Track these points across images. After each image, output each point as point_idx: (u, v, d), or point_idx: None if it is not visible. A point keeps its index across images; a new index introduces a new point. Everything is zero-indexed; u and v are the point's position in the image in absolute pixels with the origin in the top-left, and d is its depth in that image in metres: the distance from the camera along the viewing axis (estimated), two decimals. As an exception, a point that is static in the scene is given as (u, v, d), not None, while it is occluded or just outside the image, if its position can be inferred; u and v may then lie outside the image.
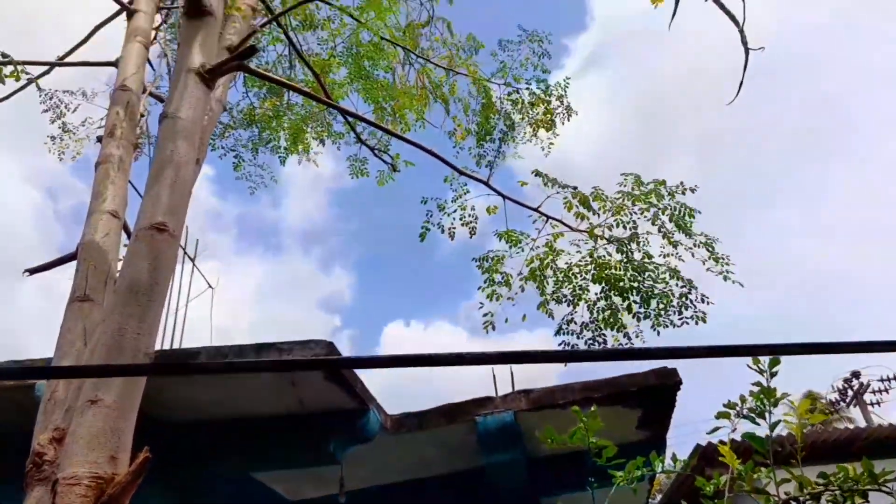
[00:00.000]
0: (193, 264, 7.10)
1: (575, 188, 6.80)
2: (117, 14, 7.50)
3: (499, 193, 6.79)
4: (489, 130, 11.57)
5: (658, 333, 8.25)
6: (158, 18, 7.70)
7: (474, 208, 7.49)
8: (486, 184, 6.78)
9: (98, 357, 3.59)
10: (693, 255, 8.06)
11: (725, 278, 7.91)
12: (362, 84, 9.80)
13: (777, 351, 1.59)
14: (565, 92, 10.77)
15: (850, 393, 26.72)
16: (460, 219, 7.50)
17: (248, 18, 7.86)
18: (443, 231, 7.45)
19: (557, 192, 6.80)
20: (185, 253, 8.83)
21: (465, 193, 7.37)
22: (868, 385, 26.18)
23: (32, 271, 5.67)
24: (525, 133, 11.52)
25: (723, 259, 7.87)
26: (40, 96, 9.11)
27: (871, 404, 25.69)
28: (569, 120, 11.11)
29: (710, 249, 7.71)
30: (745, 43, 4.39)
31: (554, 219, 7.00)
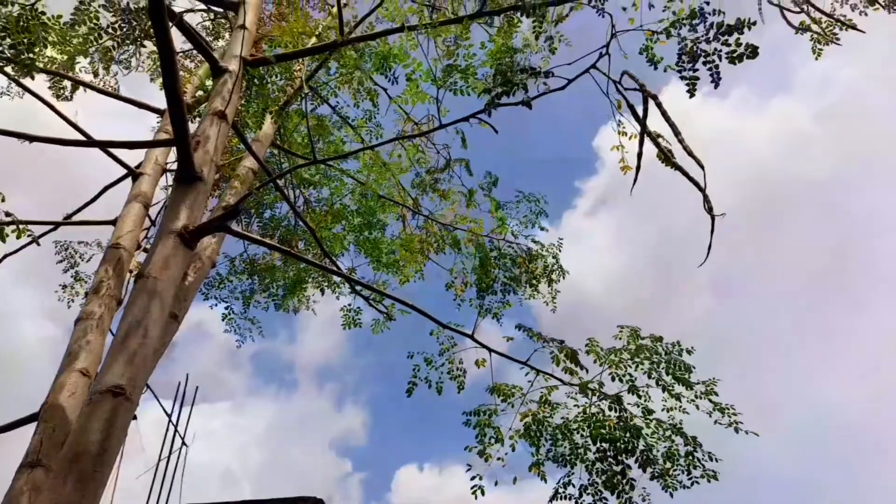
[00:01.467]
0: (171, 421, 6.85)
1: (562, 342, 6.66)
2: (125, 177, 7.99)
3: (484, 347, 6.67)
4: (489, 283, 11.71)
5: (671, 495, 7.67)
6: (163, 181, 8.15)
7: (461, 361, 7.33)
8: (472, 337, 6.68)
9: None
10: (698, 408, 7.70)
11: (737, 430, 7.46)
12: (359, 240, 10.11)
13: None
14: (559, 250, 11.10)
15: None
16: (448, 372, 7.32)
17: (247, 182, 8.32)
18: (430, 386, 7.23)
19: (543, 346, 6.65)
20: (173, 405, 8.58)
21: (451, 347, 7.25)
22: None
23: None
24: (524, 288, 11.65)
25: (728, 409, 7.47)
26: (56, 248, 9.53)
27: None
28: (563, 279, 11.32)
29: (713, 401, 7.35)
30: (710, 209, 4.45)
31: (544, 372, 6.79)
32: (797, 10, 8.64)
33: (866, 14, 8.89)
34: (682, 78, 4.70)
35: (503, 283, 11.64)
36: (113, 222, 7.15)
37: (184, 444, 6.57)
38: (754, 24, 4.51)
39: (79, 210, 8.41)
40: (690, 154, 4.33)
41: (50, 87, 8.34)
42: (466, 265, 11.50)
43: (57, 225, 8.14)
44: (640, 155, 5.61)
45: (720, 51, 4.62)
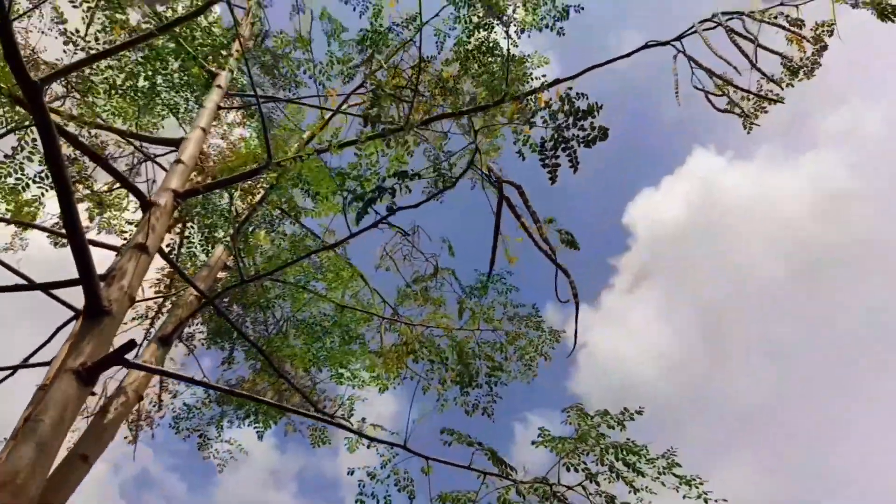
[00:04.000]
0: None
1: (480, 444, 6.36)
2: (75, 317, 8.19)
3: (419, 455, 6.38)
4: (470, 378, 11.46)
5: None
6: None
7: (408, 471, 6.99)
8: (405, 448, 6.42)
9: None
10: (663, 484, 7.12)
11: (706, 501, 6.79)
12: (320, 353, 10.05)
13: None
14: (540, 317, 10.86)
15: None
16: (395, 484, 6.97)
17: (191, 308, 8.44)
18: (377, 501, 6.87)
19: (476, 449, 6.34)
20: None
21: (392, 458, 6.96)
22: None
23: None
24: (514, 373, 11.38)
25: (694, 481, 6.86)
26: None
27: None
28: (557, 342, 11.01)
29: (677, 474, 6.79)
30: (575, 295, 4.36)
31: (490, 473, 6.44)
32: (719, 93, 8.87)
33: (792, 85, 9.07)
34: (544, 166, 4.78)
35: (487, 375, 11.36)
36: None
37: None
38: (601, 107, 4.62)
39: (35, 352, 8.58)
40: (546, 242, 4.30)
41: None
42: (443, 365, 11.31)
43: (14, 369, 8.27)
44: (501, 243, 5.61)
45: (577, 136, 4.71)
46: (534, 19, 8.27)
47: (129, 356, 5.42)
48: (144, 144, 9.48)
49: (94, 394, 6.02)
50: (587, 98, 5.02)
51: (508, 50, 8.18)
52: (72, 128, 8.87)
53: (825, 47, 8.49)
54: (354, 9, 7.69)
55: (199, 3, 8.77)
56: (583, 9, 7.67)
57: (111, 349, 5.79)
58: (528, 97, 7.36)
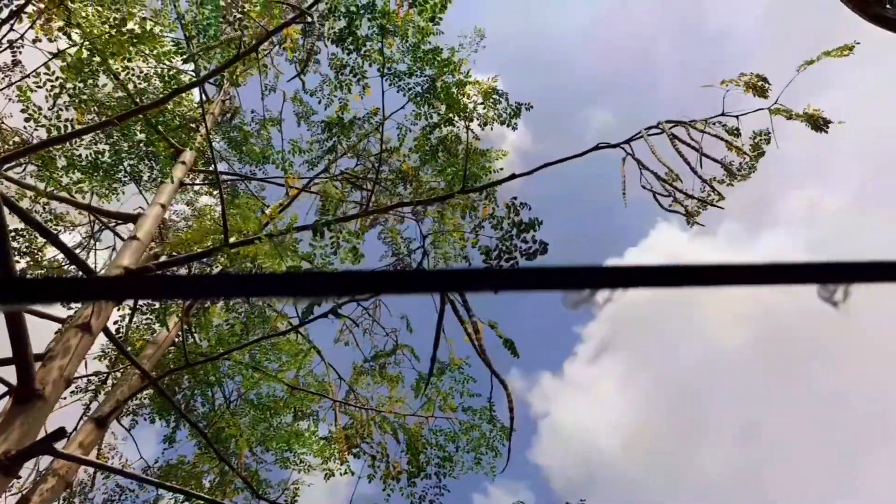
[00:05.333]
0: None
1: None
2: (5, 395, 7.90)
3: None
4: (419, 468, 11.24)
5: None
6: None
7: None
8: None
9: None
10: None
11: None
12: (267, 434, 9.81)
13: None
14: (492, 412, 10.79)
15: None
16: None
17: (131, 388, 8.22)
18: None
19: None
20: None
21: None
22: None
23: None
24: (467, 466, 11.20)
25: None
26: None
27: None
28: (509, 439, 10.90)
29: None
30: (511, 409, 4.42)
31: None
32: (666, 194, 9.35)
33: (732, 185, 9.62)
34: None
35: (437, 466, 11.16)
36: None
37: None
38: (541, 223, 4.88)
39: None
40: (482, 351, 4.41)
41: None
42: (393, 450, 11.12)
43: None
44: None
45: (521, 247, 4.94)
46: (493, 115, 8.72)
47: (62, 441, 5.24)
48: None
49: (19, 477, 5.76)
50: (530, 208, 5.29)
51: (468, 144, 8.55)
52: (27, 196, 8.83)
53: (762, 153, 9.09)
54: (320, 101, 8.00)
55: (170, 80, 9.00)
56: (532, 107, 8.14)
57: (40, 435, 5.58)
58: (484, 191, 7.62)
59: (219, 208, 10.99)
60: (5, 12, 5.74)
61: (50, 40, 6.29)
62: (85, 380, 9.41)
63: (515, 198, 5.42)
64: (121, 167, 9.77)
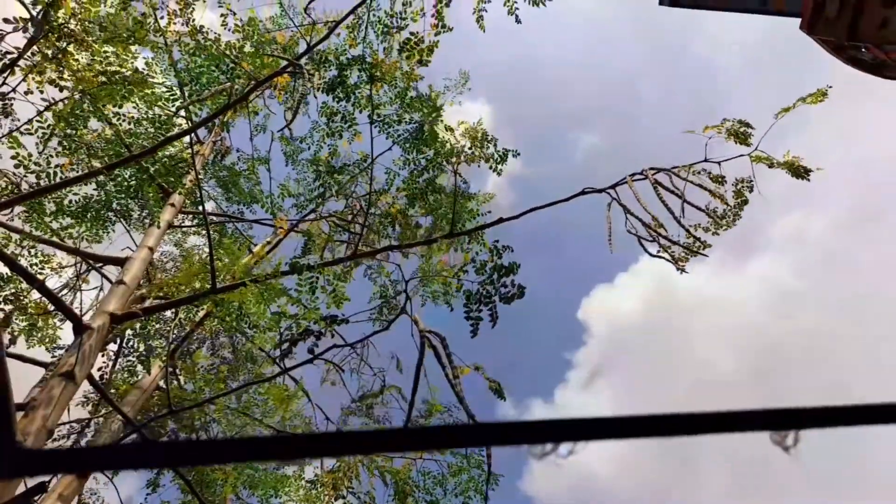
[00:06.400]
0: None
1: None
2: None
3: None
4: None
5: None
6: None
7: None
8: None
9: None
10: None
11: None
12: (252, 478, 9.66)
13: None
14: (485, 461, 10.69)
15: None
16: None
17: (113, 434, 8.12)
18: None
19: None
20: None
21: None
22: None
23: None
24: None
25: None
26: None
27: None
28: (496, 486, 10.76)
29: None
30: (489, 465, 4.39)
31: None
32: (650, 238, 9.48)
33: (717, 233, 9.77)
34: (468, 318, 5.02)
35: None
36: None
37: None
38: (519, 266, 4.96)
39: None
40: (460, 399, 4.44)
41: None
42: (380, 493, 10.97)
43: None
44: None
45: (499, 291, 5.00)
46: (480, 155, 8.87)
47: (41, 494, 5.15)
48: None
49: (-5, 531, 5.64)
50: (512, 250, 5.37)
51: (457, 187, 8.68)
52: (13, 241, 8.81)
53: (746, 201, 9.27)
54: (309, 147, 8.11)
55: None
56: (519, 154, 8.31)
57: (20, 489, 5.49)
58: (468, 235, 7.70)
59: (206, 248, 11.02)
60: (-1, 65, 5.82)
61: (41, 91, 6.38)
62: (67, 427, 9.26)
63: (497, 241, 5.53)
64: (110, 210, 9.78)
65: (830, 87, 9.43)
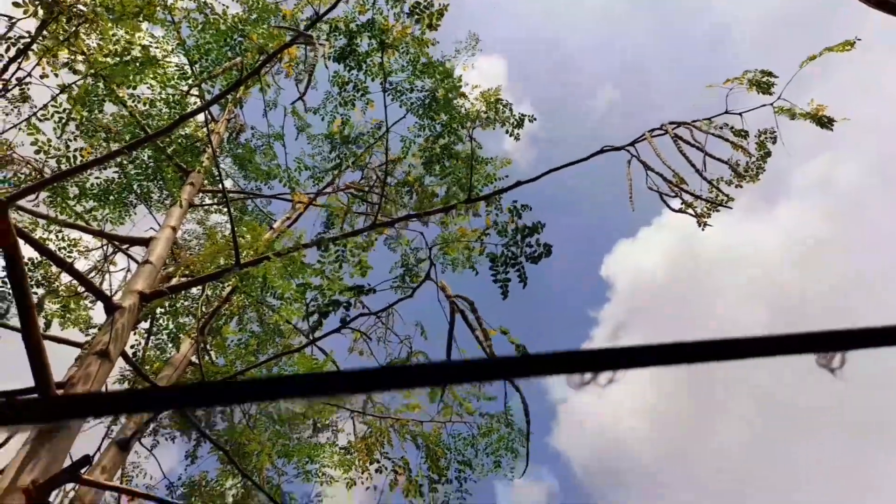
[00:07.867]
0: None
1: None
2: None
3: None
4: (441, 472, 11.30)
5: None
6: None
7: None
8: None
9: None
10: None
11: None
12: (287, 447, 9.90)
13: None
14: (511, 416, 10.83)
15: None
16: None
17: (139, 422, 8.33)
18: None
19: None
20: None
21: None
22: None
23: None
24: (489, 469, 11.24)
25: None
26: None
27: None
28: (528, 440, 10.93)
29: None
30: (526, 411, 4.46)
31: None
32: (672, 194, 9.33)
33: (741, 186, 9.57)
34: (496, 281, 5.00)
35: (457, 471, 11.20)
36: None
37: None
38: (544, 225, 4.91)
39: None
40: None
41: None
42: (412, 456, 11.18)
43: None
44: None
45: (526, 252, 4.97)
46: (498, 123, 8.76)
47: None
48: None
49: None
50: (530, 209, 5.33)
51: (472, 152, 8.60)
52: (39, 226, 8.96)
53: (769, 153, 9.05)
54: (323, 119, 8.08)
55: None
56: (535, 119, 8.17)
57: (66, 462, 5.68)
58: (487, 200, 7.66)
59: (228, 226, 11.13)
60: (12, 51, 5.86)
61: (56, 75, 6.41)
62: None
63: (516, 201, 5.49)
64: (131, 191, 9.91)
65: (859, 39, 9.08)
